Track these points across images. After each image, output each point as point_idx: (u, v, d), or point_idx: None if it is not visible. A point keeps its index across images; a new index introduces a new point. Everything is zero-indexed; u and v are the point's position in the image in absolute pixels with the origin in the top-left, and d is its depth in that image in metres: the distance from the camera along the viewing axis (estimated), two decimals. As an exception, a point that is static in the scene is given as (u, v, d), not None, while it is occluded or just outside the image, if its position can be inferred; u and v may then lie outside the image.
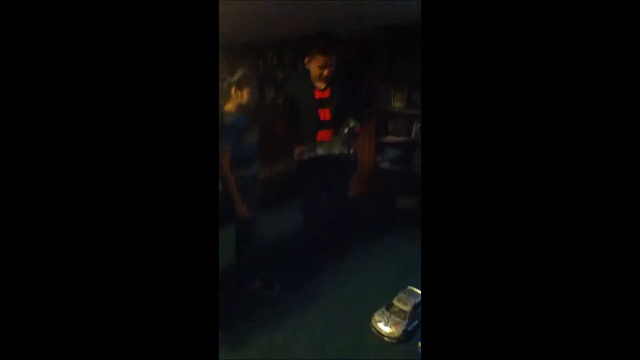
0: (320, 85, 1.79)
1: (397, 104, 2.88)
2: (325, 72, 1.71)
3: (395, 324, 1.59)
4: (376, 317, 1.66)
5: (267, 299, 1.85)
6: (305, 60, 1.74)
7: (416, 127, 2.86)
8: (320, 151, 1.82)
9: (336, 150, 1.80)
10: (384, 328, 1.60)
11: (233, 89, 1.58)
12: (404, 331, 1.57)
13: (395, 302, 1.69)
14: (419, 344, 1.47)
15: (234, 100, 1.61)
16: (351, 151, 1.85)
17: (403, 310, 1.63)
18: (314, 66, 1.71)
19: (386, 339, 1.58)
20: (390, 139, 2.91)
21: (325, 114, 1.82)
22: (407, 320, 1.60)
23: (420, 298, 1.69)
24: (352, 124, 1.75)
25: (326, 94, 1.79)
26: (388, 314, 1.65)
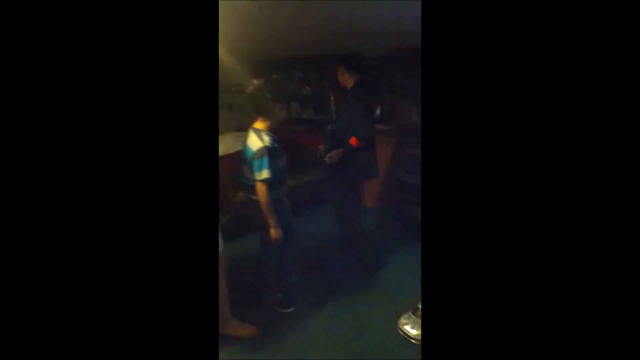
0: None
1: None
2: (340, 78, 2.07)
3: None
4: (402, 320, 1.75)
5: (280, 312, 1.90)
6: None
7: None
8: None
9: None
10: (411, 330, 1.69)
11: (268, 104, 1.63)
12: (430, 334, 1.65)
13: (420, 306, 1.77)
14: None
15: (269, 114, 1.64)
16: (322, 156, 2.04)
17: (429, 314, 1.71)
18: None
19: (413, 341, 1.67)
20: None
21: None
22: (432, 324, 1.68)
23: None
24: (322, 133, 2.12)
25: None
26: (414, 317, 1.73)
